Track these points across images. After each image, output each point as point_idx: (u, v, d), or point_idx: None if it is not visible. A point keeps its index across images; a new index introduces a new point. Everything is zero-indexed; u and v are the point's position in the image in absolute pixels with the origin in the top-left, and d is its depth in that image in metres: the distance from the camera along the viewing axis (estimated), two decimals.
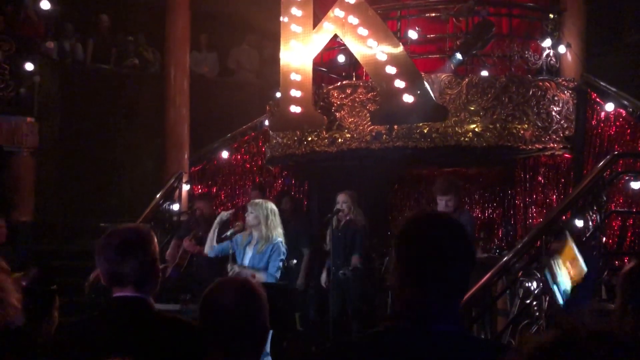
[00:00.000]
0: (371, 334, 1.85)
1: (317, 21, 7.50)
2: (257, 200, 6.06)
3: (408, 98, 6.84)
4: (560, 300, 1.67)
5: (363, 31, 7.08)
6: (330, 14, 7.34)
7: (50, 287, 3.19)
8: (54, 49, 10.79)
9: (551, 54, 7.65)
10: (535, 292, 5.40)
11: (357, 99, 7.41)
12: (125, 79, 11.31)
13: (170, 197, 8.96)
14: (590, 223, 6.07)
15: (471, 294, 5.21)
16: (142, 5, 11.61)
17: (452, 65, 7.25)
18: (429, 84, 6.93)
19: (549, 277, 1.74)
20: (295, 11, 7.55)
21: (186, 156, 9.76)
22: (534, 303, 5.40)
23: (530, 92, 7.18)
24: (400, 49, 6.98)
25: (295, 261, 7.50)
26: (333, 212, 6.79)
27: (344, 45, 7.49)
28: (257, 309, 2.23)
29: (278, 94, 8.05)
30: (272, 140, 8.31)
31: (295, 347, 7.54)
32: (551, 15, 7.92)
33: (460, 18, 7.54)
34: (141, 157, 10.96)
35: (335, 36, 7.48)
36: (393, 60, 6.93)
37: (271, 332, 5.36)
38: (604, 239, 6.39)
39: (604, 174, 6.23)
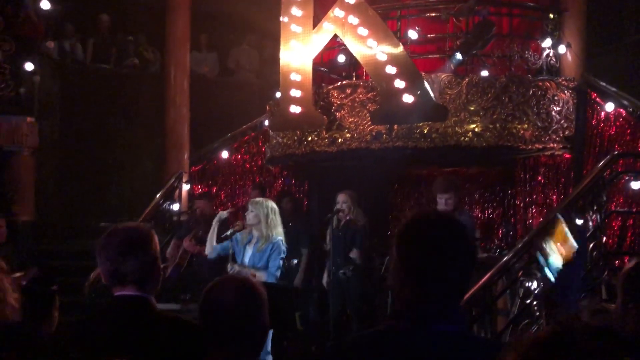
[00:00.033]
0: (371, 333, 1.85)
1: (317, 21, 7.50)
2: (257, 199, 6.06)
3: (408, 98, 6.84)
4: (552, 278, 1.69)
5: (363, 31, 7.08)
6: (330, 13, 7.33)
7: (51, 287, 3.19)
8: (54, 48, 10.79)
9: (551, 54, 7.65)
10: (536, 291, 5.40)
11: (357, 99, 7.41)
12: (125, 78, 11.31)
13: (170, 197, 8.97)
14: (591, 223, 6.07)
15: (471, 294, 5.22)
16: (142, 5, 11.61)
17: (452, 65, 7.24)
18: (429, 84, 6.92)
19: (541, 258, 1.75)
20: (296, 11, 7.55)
21: (186, 156, 9.76)
22: (535, 303, 5.40)
23: (530, 92, 7.17)
24: (400, 48, 6.98)
25: (295, 261, 7.52)
26: (333, 212, 6.79)
27: (344, 45, 7.48)
28: (257, 307, 2.23)
29: (278, 94, 8.05)
30: (272, 140, 8.31)
31: (296, 347, 7.54)
32: (551, 15, 7.91)
33: (461, 18, 7.54)
34: (141, 157, 10.96)
35: (335, 36, 7.48)
36: (393, 60, 6.93)
37: (271, 331, 5.37)
38: (604, 238, 6.39)
39: (604, 174, 6.24)
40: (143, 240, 2.49)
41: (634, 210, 7.00)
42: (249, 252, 5.80)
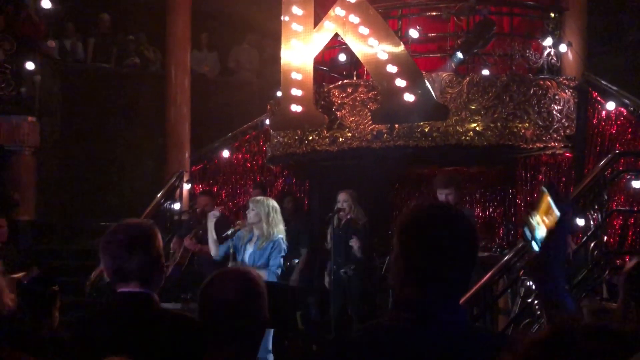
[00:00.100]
0: (375, 325, 1.84)
1: (318, 20, 7.49)
2: (258, 198, 6.06)
3: (409, 97, 6.83)
4: (537, 249, 1.68)
5: (364, 30, 7.08)
6: (331, 12, 7.33)
7: (52, 287, 3.19)
8: (55, 48, 10.81)
9: (552, 53, 7.64)
10: (537, 291, 5.39)
11: (358, 98, 7.40)
12: (125, 78, 11.32)
13: (171, 196, 8.96)
14: (592, 222, 6.06)
15: (472, 293, 5.22)
16: (143, 4, 11.61)
17: (453, 64, 7.24)
18: (429, 83, 6.92)
19: (527, 233, 1.73)
20: (296, 10, 7.54)
21: (187, 155, 9.75)
22: (535, 302, 5.39)
23: (531, 91, 7.17)
24: (401, 48, 6.98)
25: (297, 261, 7.52)
26: (334, 211, 6.79)
27: (345, 44, 7.48)
28: (256, 299, 2.21)
29: (279, 93, 8.05)
30: (273, 139, 8.31)
31: (297, 346, 7.55)
32: (552, 14, 7.91)
33: (461, 17, 7.54)
34: (142, 156, 10.96)
35: (336, 35, 7.47)
36: (394, 59, 6.93)
37: (272, 331, 5.37)
38: (605, 237, 6.38)
39: (605, 173, 6.22)
40: (147, 237, 2.49)
41: (635, 209, 7.00)
42: (249, 250, 5.80)
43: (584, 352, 1.07)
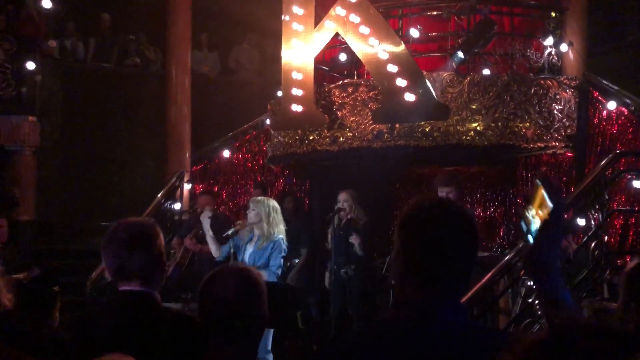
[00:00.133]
0: (377, 324, 1.83)
1: (318, 20, 7.49)
2: (258, 198, 6.06)
3: (410, 97, 6.83)
4: (531, 241, 1.68)
5: (364, 30, 7.07)
6: (332, 12, 7.32)
7: (52, 287, 3.18)
8: (56, 48, 10.81)
9: (553, 53, 7.63)
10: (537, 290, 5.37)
11: (359, 98, 7.40)
12: (126, 78, 11.32)
13: (171, 196, 8.97)
14: (592, 222, 6.06)
15: (473, 293, 5.21)
16: (143, 4, 11.61)
17: (453, 64, 7.24)
18: (430, 83, 6.91)
19: (524, 226, 1.73)
20: (297, 10, 7.54)
21: (187, 155, 9.75)
22: (536, 302, 5.38)
23: (532, 91, 7.16)
24: (401, 47, 6.97)
25: (297, 261, 7.52)
26: (334, 211, 6.78)
27: (346, 43, 7.47)
28: (255, 295, 2.21)
29: (279, 93, 8.04)
30: (274, 139, 8.31)
31: (297, 346, 7.54)
32: (553, 14, 7.90)
33: (462, 16, 7.54)
34: (142, 156, 10.97)
35: (337, 35, 7.47)
36: (395, 58, 6.92)
37: (272, 330, 5.37)
38: (606, 237, 6.37)
39: (606, 173, 6.21)
40: (148, 235, 2.49)
41: (636, 209, 6.99)
42: (249, 250, 5.80)
43: (583, 353, 1.06)
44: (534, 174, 7.80)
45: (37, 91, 9.84)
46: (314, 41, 7.46)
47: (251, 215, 5.78)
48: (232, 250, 5.84)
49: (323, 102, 7.57)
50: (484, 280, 5.39)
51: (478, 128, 7.05)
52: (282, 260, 5.78)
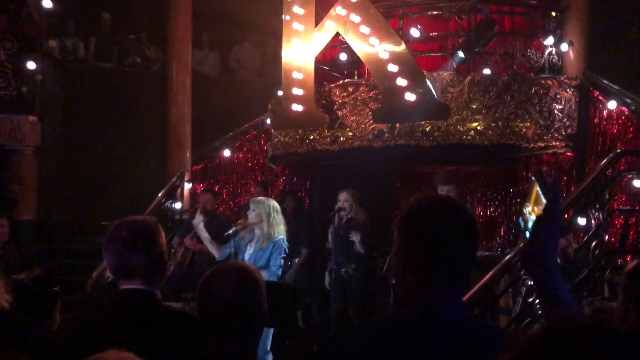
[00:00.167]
0: (377, 321, 1.82)
1: (319, 19, 7.49)
2: (259, 198, 6.05)
3: (410, 96, 6.83)
4: (528, 236, 1.68)
5: (365, 29, 7.07)
6: (332, 12, 7.32)
7: (53, 288, 3.19)
8: (56, 47, 10.81)
9: (553, 52, 7.63)
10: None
11: (359, 97, 7.40)
12: (127, 77, 11.32)
13: (172, 195, 8.98)
14: (593, 221, 6.06)
15: (473, 293, 5.21)
16: (144, 3, 11.61)
17: (454, 64, 7.24)
18: (431, 82, 6.91)
19: (521, 223, 1.73)
20: (297, 9, 7.54)
21: (188, 155, 9.76)
22: (537, 301, 5.38)
23: (533, 90, 7.16)
24: (402, 47, 6.97)
25: (297, 260, 7.53)
26: (335, 211, 6.79)
27: (346, 43, 7.47)
28: (254, 292, 2.20)
29: (280, 93, 8.04)
30: (274, 138, 8.31)
31: (298, 345, 7.55)
32: (553, 13, 7.90)
33: (463, 16, 7.54)
34: (143, 156, 10.97)
35: (337, 34, 7.47)
36: (395, 58, 6.92)
37: (273, 330, 5.37)
38: (607, 237, 6.37)
39: (607, 172, 6.21)
40: (150, 234, 2.49)
41: (637, 208, 6.98)
42: (249, 250, 5.80)
43: (579, 351, 1.06)
44: (534, 167, 7.80)
45: (38, 91, 9.85)
46: (314, 41, 7.46)
47: (252, 215, 5.78)
48: (232, 250, 5.84)
49: (323, 101, 7.57)
50: (484, 280, 5.38)
51: (478, 128, 7.05)
52: (282, 261, 5.78)
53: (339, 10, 7.25)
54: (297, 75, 7.47)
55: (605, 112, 7.43)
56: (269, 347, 5.50)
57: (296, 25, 7.54)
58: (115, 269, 2.47)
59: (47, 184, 10.16)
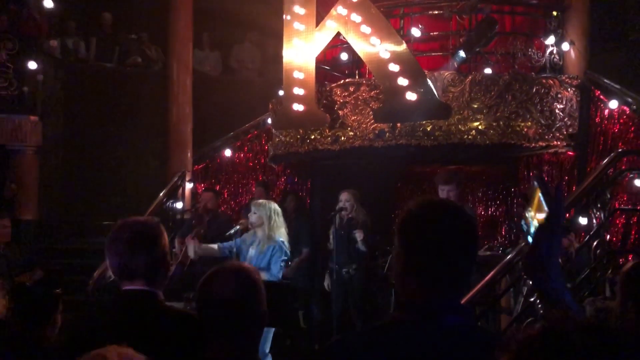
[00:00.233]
0: (378, 326, 1.82)
1: (319, 19, 7.49)
2: (260, 201, 6.06)
3: (411, 96, 6.83)
4: (530, 241, 1.67)
5: (366, 29, 7.07)
6: (333, 11, 7.32)
7: (54, 290, 3.18)
8: (57, 47, 10.82)
9: (554, 52, 7.62)
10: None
11: (360, 97, 7.39)
12: (128, 77, 11.33)
13: (173, 195, 8.99)
14: (594, 221, 6.05)
15: (475, 292, 5.21)
16: (145, 3, 11.62)
17: (455, 63, 7.23)
18: (432, 82, 6.91)
19: (524, 226, 1.72)
20: (298, 9, 7.54)
21: (189, 154, 9.76)
22: (538, 301, 5.38)
23: (534, 90, 7.15)
24: (403, 46, 6.97)
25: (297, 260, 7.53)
26: (336, 211, 6.79)
27: (347, 43, 7.47)
28: (253, 291, 2.21)
29: (281, 92, 8.04)
30: (275, 138, 8.31)
31: (299, 345, 7.55)
32: (554, 13, 7.89)
33: (464, 15, 7.53)
34: (144, 156, 10.97)
35: (338, 34, 7.46)
36: (396, 58, 6.92)
37: (274, 330, 5.37)
38: (608, 236, 6.37)
39: (608, 172, 6.21)
40: (152, 235, 2.49)
41: (638, 207, 6.98)
42: (251, 252, 5.80)
43: (578, 351, 1.06)
44: (535, 173, 7.80)
45: (39, 91, 9.86)
46: (315, 40, 7.45)
47: (253, 218, 5.79)
48: (234, 250, 5.85)
49: (324, 101, 7.57)
50: (486, 279, 5.39)
51: (480, 127, 7.04)
52: (283, 263, 5.79)
53: (340, 10, 7.24)
54: (298, 74, 7.47)
55: (606, 111, 7.42)
56: (267, 350, 5.50)
57: (297, 25, 7.54)
58: (118, 270, 2.47)
59: (48, 184, 10.17)
